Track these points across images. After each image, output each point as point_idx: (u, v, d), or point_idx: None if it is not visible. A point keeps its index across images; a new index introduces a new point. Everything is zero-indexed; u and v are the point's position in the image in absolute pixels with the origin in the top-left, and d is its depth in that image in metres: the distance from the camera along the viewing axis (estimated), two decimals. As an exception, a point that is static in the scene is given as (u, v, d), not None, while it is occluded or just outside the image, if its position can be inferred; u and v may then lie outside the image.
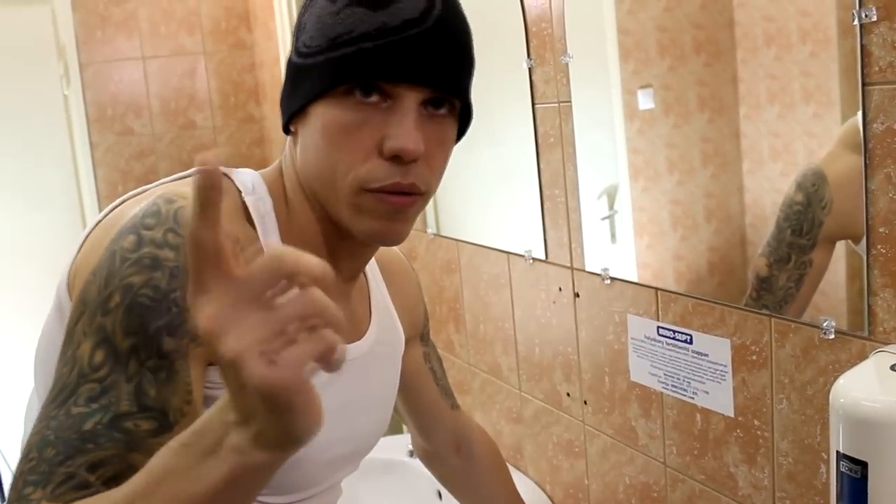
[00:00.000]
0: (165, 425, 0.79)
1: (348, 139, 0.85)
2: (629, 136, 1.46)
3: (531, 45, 1.62)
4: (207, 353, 0.82)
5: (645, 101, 1.42)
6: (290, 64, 0.91)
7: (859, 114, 1.04)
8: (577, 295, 1.62)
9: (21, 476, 0.75)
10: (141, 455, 0.74)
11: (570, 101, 1.54)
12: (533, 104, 1.65)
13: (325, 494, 1.06)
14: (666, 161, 1.40)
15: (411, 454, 1.81)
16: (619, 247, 1.52)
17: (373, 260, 1.08)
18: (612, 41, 1.45)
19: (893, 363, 1.02)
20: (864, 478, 0.97)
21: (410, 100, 0.85)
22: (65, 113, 3.33)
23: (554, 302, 1.68)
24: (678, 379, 1.40)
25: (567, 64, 1.53)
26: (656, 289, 1.42)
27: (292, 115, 0.91)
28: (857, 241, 1.11)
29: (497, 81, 1.72)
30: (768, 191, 1.22)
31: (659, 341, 1.42)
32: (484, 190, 1.92)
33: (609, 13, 1.46)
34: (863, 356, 1.09)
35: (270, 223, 0.93)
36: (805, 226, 1.18)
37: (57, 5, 3.22)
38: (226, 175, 0.92)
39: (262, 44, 3.43)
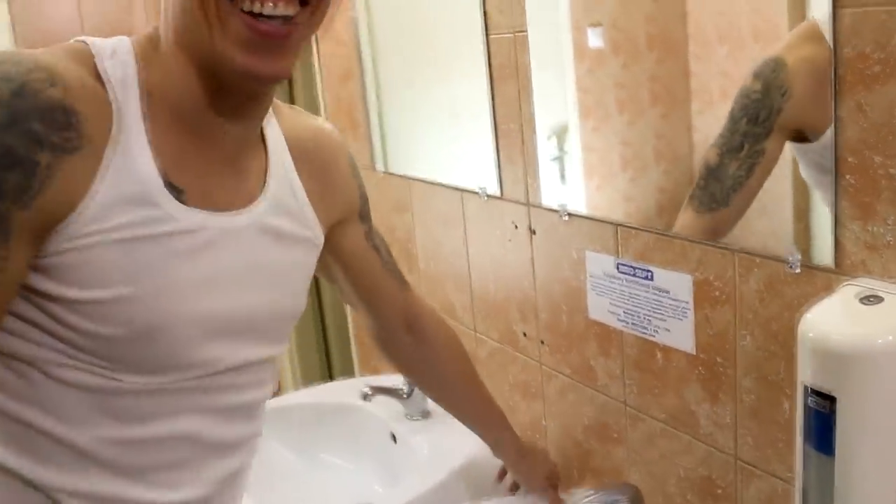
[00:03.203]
0: None
1: None
2: (579, 76, 1.43)
3: (484, -28, 1.56)
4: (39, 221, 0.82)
5: (594, 39, 1.39)
6: None
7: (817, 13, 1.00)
8: (533, 232, 1.57)
9: None
10: None
11: (525, 31, 1.48)
12: (486, 35, 1.58)
13: (225, 376, 0.98)
14: (615, 101, 1.38)
15: (365, 397, 1.78)
16: (568, 188, 1.48)
17: (280, 136, 1.04)
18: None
19: (862, 295, 1.00)
20: (833, 412, 0.95)
21: None
22: None
23: (510, 240, 1.64)
24: (638, 316, 1.36)
25: (522, -8, 1.47)
26: (616, 224, 1.38)
27: None
28: (815, 134, 1.07)
29: (446, 14, 1.67)
30: (717, 131, 1.19)
31: (618, 278, 1.38)
32: (434, 125, 1.86)
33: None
34: (829, 290, 1.06)
35: (131, 85, 0.89)
36: (762, 113, 1.15)
37: None
38: (82, 41, 0.92)
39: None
